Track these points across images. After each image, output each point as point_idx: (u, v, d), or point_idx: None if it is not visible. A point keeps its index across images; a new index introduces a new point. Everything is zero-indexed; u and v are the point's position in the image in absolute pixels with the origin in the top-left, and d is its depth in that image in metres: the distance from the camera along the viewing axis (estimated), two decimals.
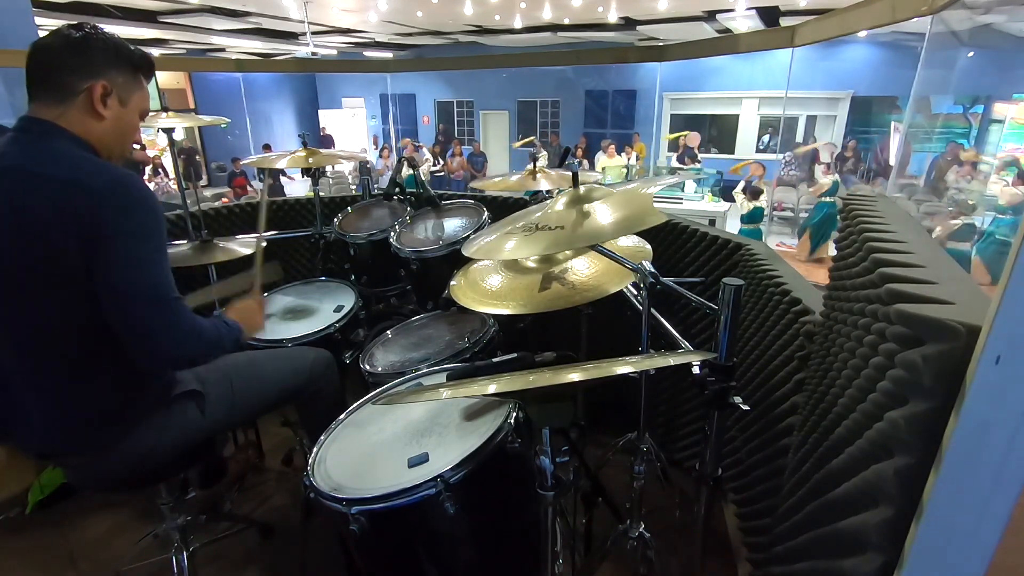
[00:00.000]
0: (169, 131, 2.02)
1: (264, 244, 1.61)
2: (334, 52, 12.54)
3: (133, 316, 1.00)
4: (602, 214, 1.00)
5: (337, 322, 1.84)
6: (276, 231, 2.43)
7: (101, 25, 1.08)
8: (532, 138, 11.83)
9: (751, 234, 6.13)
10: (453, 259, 1.79)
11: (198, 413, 1.25)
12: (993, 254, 5.33)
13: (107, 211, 0.97)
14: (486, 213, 2.03)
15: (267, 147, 10.77)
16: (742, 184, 6.65)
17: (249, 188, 9.31)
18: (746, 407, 0.99)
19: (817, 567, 0.91)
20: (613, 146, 9.01)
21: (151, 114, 1.88)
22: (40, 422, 1.09)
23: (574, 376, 0.79)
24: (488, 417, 1.11)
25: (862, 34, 8.34)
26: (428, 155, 10.14)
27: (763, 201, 6.38)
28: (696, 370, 1.00)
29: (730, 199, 7.11)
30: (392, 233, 2.03)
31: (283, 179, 9.72)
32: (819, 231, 6.89)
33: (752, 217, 6.37)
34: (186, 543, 1.62)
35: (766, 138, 10.49)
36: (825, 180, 6.93)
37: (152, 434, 1.18)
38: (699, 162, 8.96)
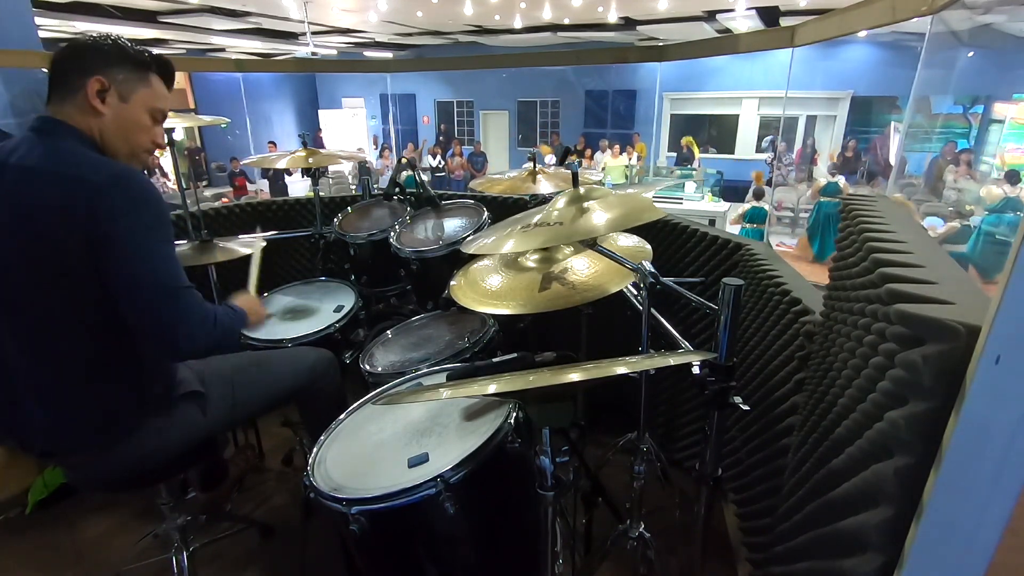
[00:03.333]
0: (169, 131, 2.02)
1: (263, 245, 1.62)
2: (334, 52, 12.53)
3: (145, 307, 1.02)
4: (600, 210, 1.00)
5: (337, 322, 1.84)
6: (276, 231, 2.43)
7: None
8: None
9: (752, 233, 6.15)
10: (453, 259, 1.79)
11: (199, 413, 1.26)
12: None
13: (109, 205, 0.98)
14: (486, 213, 2.02)
15: (272, 144, 10.83)
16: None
17: (249, 188, 9.34)
18: (746, 407, 0.99)
19: (817, 567, 0.91)
20: (612, 145, 9.02)
21: None
22: (43, 422, 1.09)
23: (574, 376, 0.79)
24: (488, 417, 1.11)
25: (862, 34, 8.34)
26: (429, 157, 10.25)
27: (764, 203, 6.41)
28: (696, 370, 1.00)
29: (730, 199, 7.15)
30: (392, 233, 2.03)
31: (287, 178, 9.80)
32: (817, 233, 6.89)
33: (753, 217, 6.42)
34: (186, 543, 1.62)
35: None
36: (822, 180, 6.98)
37: (154, 434, 1.18)
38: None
